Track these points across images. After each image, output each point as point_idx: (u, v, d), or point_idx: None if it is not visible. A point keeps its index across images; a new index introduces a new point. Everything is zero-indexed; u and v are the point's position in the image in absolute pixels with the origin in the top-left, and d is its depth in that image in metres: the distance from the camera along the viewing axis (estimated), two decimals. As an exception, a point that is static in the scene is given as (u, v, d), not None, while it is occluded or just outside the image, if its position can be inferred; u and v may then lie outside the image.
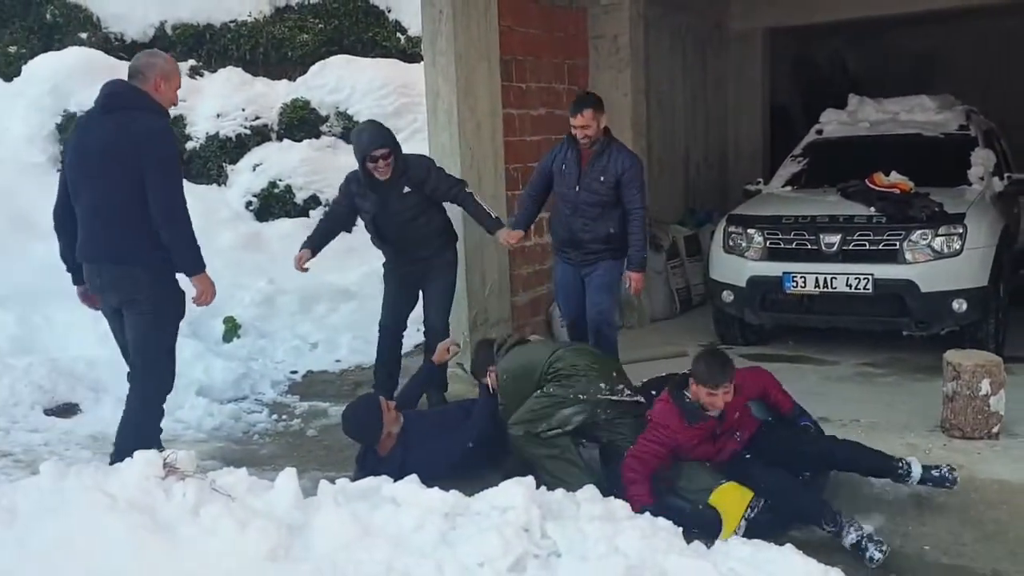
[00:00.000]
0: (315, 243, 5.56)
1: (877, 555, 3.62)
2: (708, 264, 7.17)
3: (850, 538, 3.70)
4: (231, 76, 10.34)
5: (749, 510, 3.79)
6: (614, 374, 4.52)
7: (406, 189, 5.35)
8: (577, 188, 5.46)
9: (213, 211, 8.90)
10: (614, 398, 4.37)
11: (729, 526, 3.76)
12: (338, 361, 7.04)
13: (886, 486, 4.37)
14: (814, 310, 6.31)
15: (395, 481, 4.46)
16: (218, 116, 9.79)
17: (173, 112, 9.64)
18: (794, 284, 6.21)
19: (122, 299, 4.15)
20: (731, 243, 6.62)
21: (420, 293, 5.68)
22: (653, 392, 4.65)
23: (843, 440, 4.31)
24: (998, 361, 4.87)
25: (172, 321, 4.28)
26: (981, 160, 6.82)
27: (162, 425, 5.51)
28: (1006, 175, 6.94)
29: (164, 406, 4.42)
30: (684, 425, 3.96)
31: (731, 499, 3.85)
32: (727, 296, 6.64)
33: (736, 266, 6.55)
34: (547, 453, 4.27)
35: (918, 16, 9.54)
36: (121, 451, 3.87)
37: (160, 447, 3.65)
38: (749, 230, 6.52)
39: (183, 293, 4.26)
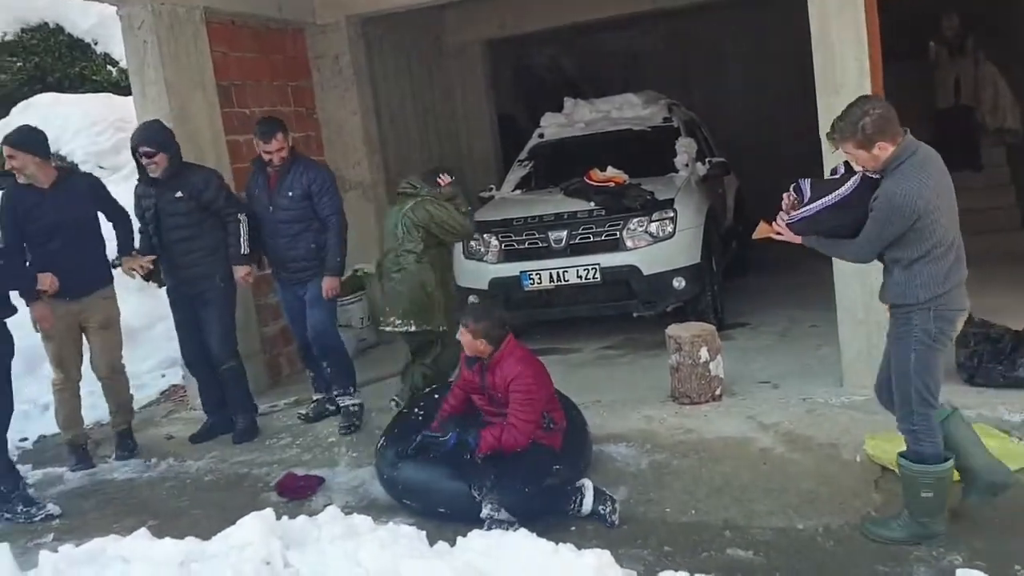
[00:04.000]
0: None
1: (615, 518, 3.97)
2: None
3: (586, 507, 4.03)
4: (-77, 126, 9.29)
5: None
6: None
7: (178, 194, 5.43)
8: (271, 208, 5.56)
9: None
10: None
11: None
12: (74, 421, 6.49)
13: (628, 459, 4.69)
14: (553, 303, 6.64)
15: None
16: (-86, 172, 8.76)
17: None
18: (531, 281, 6.51)
19: None
20: (471, 249, 6.82)
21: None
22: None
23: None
24: (712, 330, 5.36)
25: None
26: (685, 148, 7.46)
27: None
28: (708, 160, 7.64)
29: None
30: (466, 366, 4.41)
31: None
32: (473, 300, 6.82)
33: (478, 270, 6.77)
34: None
35: (617, 20, 10.26)
36: None
37: None
38: (485, 235, 6.74)
39: None
